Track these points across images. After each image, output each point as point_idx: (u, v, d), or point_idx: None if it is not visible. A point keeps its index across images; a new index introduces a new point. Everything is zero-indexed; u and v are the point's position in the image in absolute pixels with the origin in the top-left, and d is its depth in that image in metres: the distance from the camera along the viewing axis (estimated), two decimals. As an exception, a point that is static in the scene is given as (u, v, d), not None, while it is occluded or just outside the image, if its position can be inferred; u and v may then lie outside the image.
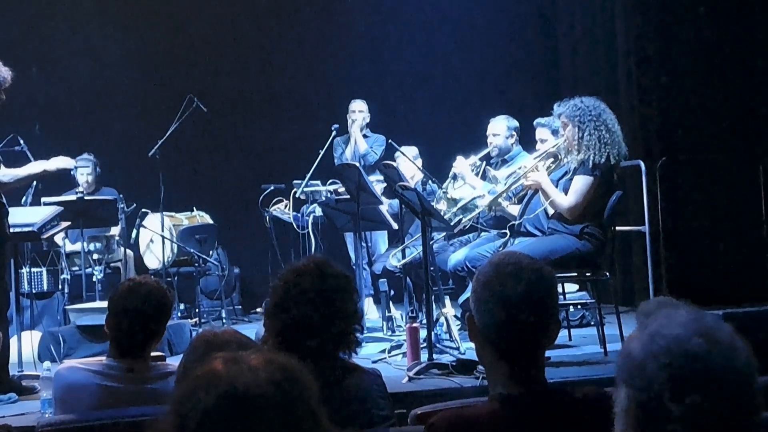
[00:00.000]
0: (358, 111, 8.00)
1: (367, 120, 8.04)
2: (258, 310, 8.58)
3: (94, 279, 7.39)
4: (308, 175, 7.36)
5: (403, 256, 6.42)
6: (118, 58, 9.19)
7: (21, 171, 5.50)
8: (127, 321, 3.26)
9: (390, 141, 7.19)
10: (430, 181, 7.07)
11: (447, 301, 6.17)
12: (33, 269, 7.75)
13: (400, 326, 6.59)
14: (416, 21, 9.57)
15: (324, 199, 7.25)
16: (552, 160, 5.87)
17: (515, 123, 6.89)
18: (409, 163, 6.97)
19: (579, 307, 6.77)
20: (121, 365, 3.25)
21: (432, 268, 5.76)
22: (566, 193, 5.49)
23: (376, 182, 6.94)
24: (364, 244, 7.38)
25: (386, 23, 9.58)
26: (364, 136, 7.98)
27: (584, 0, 9.00)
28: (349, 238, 7.78)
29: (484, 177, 6.50)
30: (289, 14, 9.59)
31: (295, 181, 7.47)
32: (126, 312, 3.26)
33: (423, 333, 5.33)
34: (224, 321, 8.04)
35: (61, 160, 5.68)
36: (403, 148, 7.06)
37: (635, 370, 1.47)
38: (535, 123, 6.49)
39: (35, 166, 5.56)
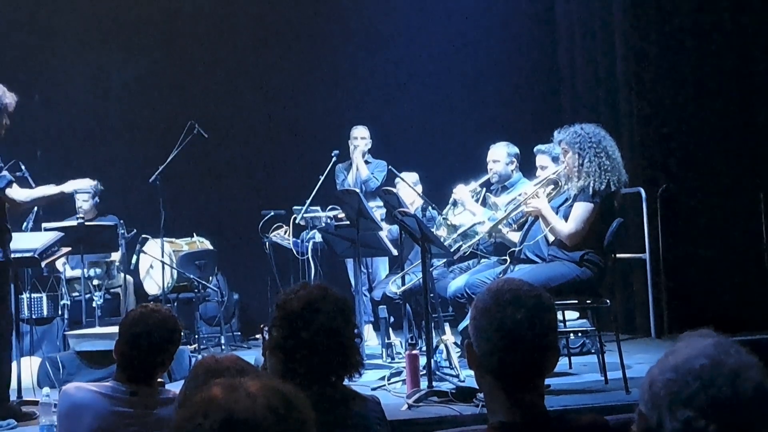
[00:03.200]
0: (360, 137, 8.02)
1: (369, 146, 8.06)
2: (257, 336, 8.55)
3: (94, 305, 7.39)
4: (308, 201, 7.36)
5: (403, 283, 6.40)
6: (119, 85, 9.23)
7: (36, 192, 5.48)
8: (137, 347, 3.27)
9: (390, 167, 7.19)
10: (430, 207, 7.07)
11: (447, 328, 6.15)
12: (33, 295, 7.74)
13: (400, 353, 6.58)
14: (417, 48, 9.61)
15: (324, 225, 7.24)
16: (552, 186, 5.86)
17: (515, 149, 6.89)
18: (409, 189, 6.97)
19: (579, 334, 6.75)
20: (128, 389, 3.26)
21: (432, 295, 5.74)
22: (566, 220, 5.48)
23: (376, 208, 6.94)
24: (364, 270, 7.36)
25: (388, 50, 9.61)
26: (366, 161, 7.99)
27: (584, 26, 9.04)
28: (350, 264, 7.76)
29: (484, 203, 6.49)
30: (290, 41, 9.63)
31: (295, 207, 7.47)
32: (137, 338, 3.27)
33: (422, 360, 5.32)
34: (223, 347, 8.02)
35: (78, 182, 5.63)
36: (404, 174, 7.07)
37: (645, 386, 1.52)
38: (535, 150, 6.49)
39: (52, 188, 5.52)
